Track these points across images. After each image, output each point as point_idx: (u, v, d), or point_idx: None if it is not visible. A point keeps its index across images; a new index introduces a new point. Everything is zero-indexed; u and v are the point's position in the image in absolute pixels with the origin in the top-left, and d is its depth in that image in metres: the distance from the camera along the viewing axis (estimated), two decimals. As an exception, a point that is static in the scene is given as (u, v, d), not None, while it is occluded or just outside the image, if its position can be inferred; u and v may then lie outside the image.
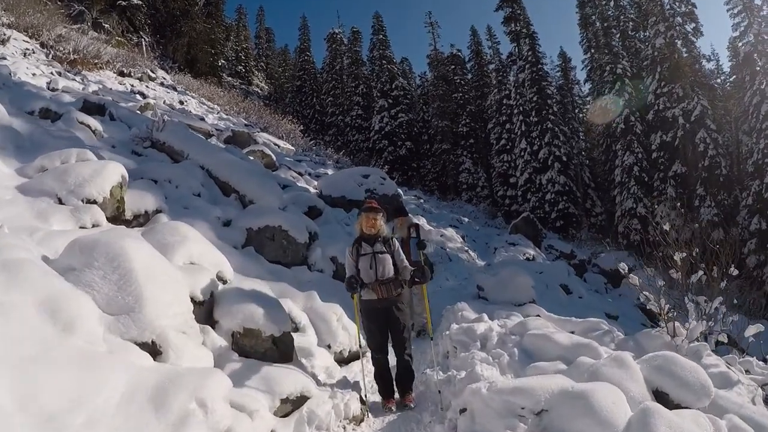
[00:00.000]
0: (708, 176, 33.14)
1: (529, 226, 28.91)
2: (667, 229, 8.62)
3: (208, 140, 15.77)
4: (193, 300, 5.44)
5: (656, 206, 33.24)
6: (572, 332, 7.67)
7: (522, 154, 42.72)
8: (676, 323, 6.95)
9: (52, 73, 19.11)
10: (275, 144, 25.68)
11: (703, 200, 32.97)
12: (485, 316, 8.98)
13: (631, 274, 8.07)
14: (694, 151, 34.16)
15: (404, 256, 6.57)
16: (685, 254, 7.78)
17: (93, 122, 11.43)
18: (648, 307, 7.68)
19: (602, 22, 44.88)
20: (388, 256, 6.35)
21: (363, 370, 6.65)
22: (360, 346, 6.90)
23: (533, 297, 13.23)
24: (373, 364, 6.66)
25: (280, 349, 6.09)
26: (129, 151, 10.78)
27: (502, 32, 47.87)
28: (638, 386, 4.54)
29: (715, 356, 6.20)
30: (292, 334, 6.63)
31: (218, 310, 5.95)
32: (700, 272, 7.53)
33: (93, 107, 12.98)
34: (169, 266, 5.08)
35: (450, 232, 24.72)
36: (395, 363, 6.49)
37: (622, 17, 44.75)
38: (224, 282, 6.66)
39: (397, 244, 6.56)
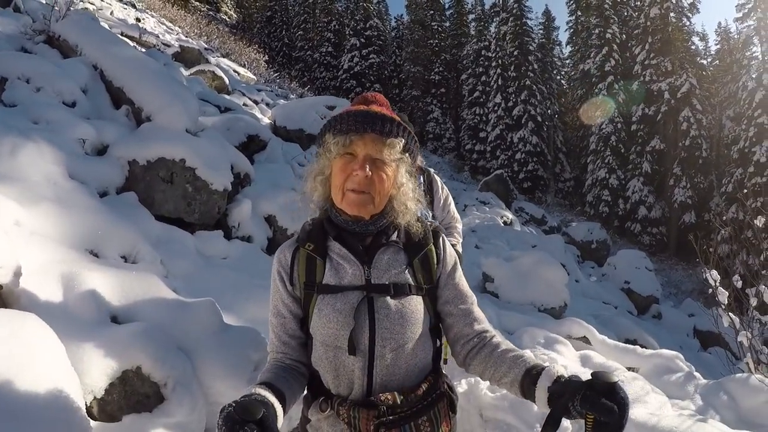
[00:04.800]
0: (687, 156, 32.60)
1: (501, 185, 27.29)
2: (759, 225, 6.45)
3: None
4: None
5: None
6: (636, 369, 5.63)
7: (495, 108, 41.39)
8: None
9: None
10: (234, 71, 23.14)
11: (679, 180, 32.45)
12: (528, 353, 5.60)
13: (720, 289, 5.81)
14: (675, 129, 33.48)
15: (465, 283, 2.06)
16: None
17: (-18, 12, 8.81)
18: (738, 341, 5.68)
19: (597, -17, 43.04)
20: (418, 304, 1.87)
21: None
22: None
23: (566, 299, 10.44)
24: None
25: None
26: (16, 47, 8.30)
27: (487, -20, 45.63)
28: None
29: None
30: None
31: None
32: None
33: (-5, -4, 10.16)
34: None
35: (415, 183, 22.54)
36: None
37: (617, -19, 42.90)
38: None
39: (451, 254, 2.04)
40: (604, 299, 16.14)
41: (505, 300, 10.16)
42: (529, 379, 1.65)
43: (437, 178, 4.35)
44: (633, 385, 4.92)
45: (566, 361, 5.62)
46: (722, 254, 26.70)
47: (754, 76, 30.51)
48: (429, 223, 2.04)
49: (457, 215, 4.42)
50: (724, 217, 27.27)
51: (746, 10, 33.50)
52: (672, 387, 5.38)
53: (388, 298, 1.80)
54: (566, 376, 1.59)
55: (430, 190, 4.29)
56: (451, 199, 4.40)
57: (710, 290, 6.01)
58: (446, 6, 54.80)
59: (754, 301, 5.88)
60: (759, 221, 6.79)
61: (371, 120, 1.81)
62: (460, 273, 2.03)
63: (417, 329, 1.82)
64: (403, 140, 1.87)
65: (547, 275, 10.39)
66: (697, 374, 5.87)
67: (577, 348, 6.66)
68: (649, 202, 33.39)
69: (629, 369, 5.86)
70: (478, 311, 1.98)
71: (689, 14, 36.90)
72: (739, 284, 6.02)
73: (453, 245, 4.02)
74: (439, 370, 1.98)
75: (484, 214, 21.29)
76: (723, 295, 5.67)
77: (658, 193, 33.93)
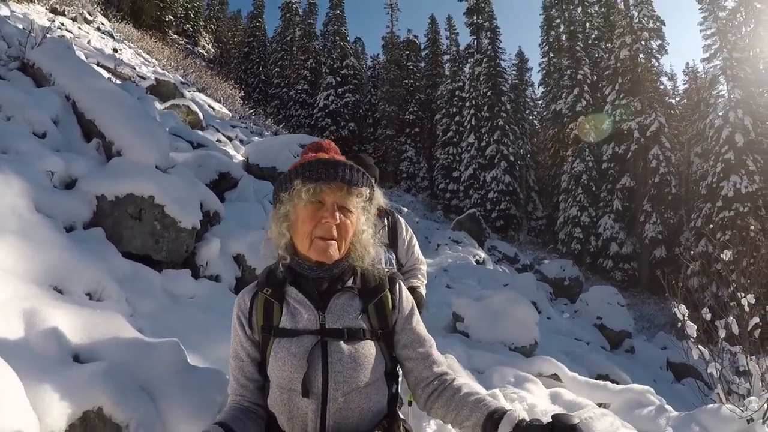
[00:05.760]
0: (657, 193, 33.24)
1: (474, 224, 27.38)
2: (726, 258, 6.76)
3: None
4: None
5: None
6: (607, 405, 5.62)
7: (469, 148, 41.72)
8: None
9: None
10: (210, 106, 23.07)
11: (649, 216, 33.04)
12: (499, 396, 5.49)
13: (689, 322, 5.90)
14: (645, 166, 34.15)
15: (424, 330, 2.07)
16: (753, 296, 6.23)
17: (-43, 38, 8.71)
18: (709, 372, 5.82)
19: (567, 26, 44.11)
20: (371, 348, 1.90)
21: None
22: None
23: (537, 337, 10.40)
24: None
25: None
26: (-12, 73, 8.15)
27: (462, 23, 46.61)
28: None
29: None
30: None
31: None
32: (755, 319, 6.17)
33: (-29, 24, 10.05)
34: None
35: (390, 222, 22.41)
36: None
37: (588, 24, 44.08)
38: None
39: (407, 299, 2.08)
40: (577, 336, 16.15)
41: (475, 339, 10.03)
42: (491, 423, 1.68)
43: (401, 219, 4.34)
44: (602, 421, 4.96)
45: (536, 399, 5.56)
46: (692, 287, 27.27)
47: (720, 113, 31.26)
48: (386, 270, 2.10)
49: (421, 257, 4.40)
50: (693, 252, 27.88)
51: (713, 51, 34.39)
52: (644, 421, 5.38)
53: (342, 342, 1.84)
54: (527, 420, 1.61)
55: (394, 232, 4.26)
56: (415, 240, 4.39)
57: (679, 323, 6.09)
58: (422, 47, 55.60)
59: (722, 333, 5.99)
60: (725, 255, 6.98)
61: (340, 169, 1.88)
62: (417, 317, 2.06)
63: (370, 373, 1.85)
64: (368, 189, 1.98)
65: (517, 314, 10.34)
66: (668, 407, 5.88)
67: (547, 386, 6.66)
68: (620, 238, 33.77)
69: (600, 405, 5.88)
70: (437, 354, 2.01)
71: (658, 55, 38.03)
72: (708, 316, 6.18)
73: (416, 287, 4.15)
74: (395, 414, 1.99)
75: (456, 253, 21.21)
76: (691, 329, 5.78)
77: (629, 230, 34.38)
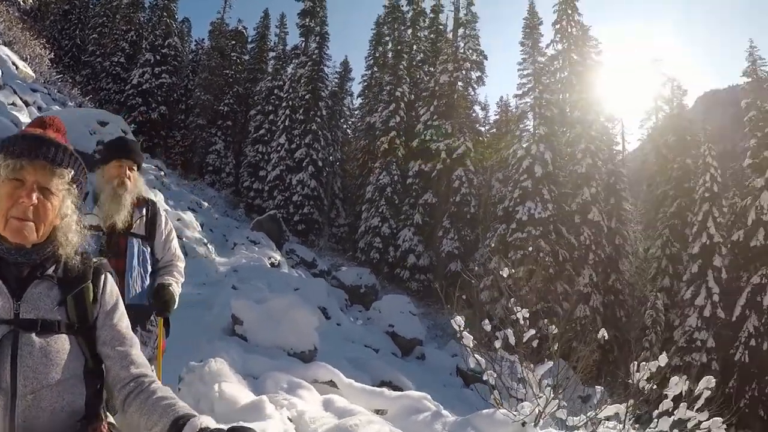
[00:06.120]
0: (457, 211, 34.89)
1: (275, 225, 27.35)
2: (505, 275, 7.60)
3: None
4: None
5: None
6: (384, 412, 5.60)
7: (279, 149, 40.84)
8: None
9: None
10: (14, 64, 20.93)
11: (448, 232, 34.51)
12: (266, 402, 5.08)
13: (465, 332, 6.45)
14: (448, 186, 35.66)
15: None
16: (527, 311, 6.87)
17: None
18: (480, 376, 6.67)
19: (395, 45, 45.01)
20: (66, 343, 1.78)
21: None
22: None
23: (316, 343, 10.39)
24: None
25: None
26: None
27: (294, 24, 45.92)
28: None
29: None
30: None
31: None
32: (532, 330, 6.79)
33: None
34: None
35: (189, 216, 21.63)
36: None
37: (415, 46, 45.38)
38: None
39: (112, 293, 1.96)
40: (367, 342, 16.42)
41: (253, 343, 9.87)
42: (175, 429, 1.62)
43: (162, 212, 4.09)
44: (369, 428, 4.94)
45: (308, 405, 5.57)
46: (484, 300, 28.87)
47: (524, 145, 33.15)
48: (94, 261, 1.95)
49: (179, 253, 4.15)
50: (486, 267, 29.56)
51: (526, 89, 36.75)
52: (420, 426, 5.55)
53: (34, 335, 1.69)
54: (211, 428, 1.58)
55: (152, 223, 3.98)
56: (174, 235, 4.15)
57: (458, 333, 6.37)
58: (249, 39, 54.04)
59: (498, 343, 6.70)
60: (505, 272, 7.82)
61: (45, 146, 1.77)
62: (121, 314, 1.95)
63: (62, 370, 1.72)
64: (73, 171, 1.83)
65: (298, 319, 10.35)
66: (445, 412, 6.13)
67: (322, 392, 6.71)
68: (419, 250, 34.80)
69: (378, 411, 5.95)
70: (137, 354, 1.91)
71: (475, 86, 40.41)
72: (488, 327, 6.75)
73: (168, 285, 3.86)
74: (98, 416, 1.84)
75: (252, 254, 21.23)
76: (468, 338, 6.15)
77: (427, 243, 35.58)
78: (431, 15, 46.63)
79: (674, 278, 32.13)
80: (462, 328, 6.45)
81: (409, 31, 46.09)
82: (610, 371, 20.85)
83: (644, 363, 6.31)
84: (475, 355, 6.48)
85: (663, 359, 6.31)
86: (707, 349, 25.90)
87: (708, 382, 6.02)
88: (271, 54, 53.81)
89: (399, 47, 44.04)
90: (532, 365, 6.72)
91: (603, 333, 6.79)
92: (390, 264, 35.34)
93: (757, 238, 26.30)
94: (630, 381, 6.42)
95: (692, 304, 27.28)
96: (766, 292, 24.96)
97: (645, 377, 6.16)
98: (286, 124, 40.93)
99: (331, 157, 43.65)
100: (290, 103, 41.47)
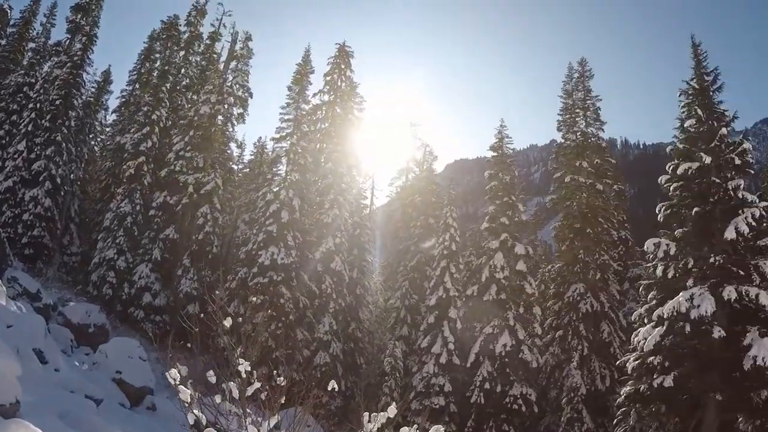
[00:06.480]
0: (198, 249, 33.97)
1: (5, 250, 24.22)
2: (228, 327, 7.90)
3: None
4: None
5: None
6: None
7: (16, 156, 35.83)
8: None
9: None
10: None
11: (187, 271, 33.50)
12: None
13: (182, 387, 6.60)
14: (192, 222, 34.69)
15: None
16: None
17: None
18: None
19: (163, 64, 43.26)
20: None
21: None
22: None
23: (18, 395, 8.94)
24: None
25: None
26: None
27: (64, 18, 41.99)
28: None
29: None
30: None
31: None
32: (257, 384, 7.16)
33: None
34: None
35: None
36: None
37: (183, 70, 43.67)
38: None
39: None
40: (89, 392, 14.84)
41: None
42: None
43: None
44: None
45: None
46: (221, 346, 28.19)
47: (275, 190, 33.49)
48: None
49: None
50: (215, 312, 28.90)
51: (284, 133, 36.97)
52: None
53: None
54: None
55: None
56: None
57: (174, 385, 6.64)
58: (11, 22, 48.27)
59: (218, 399, 7.29)
60: (227, 322, 8.25)
61: None
62: None
63: None
64: None
65: (-3, 366, 8.72)
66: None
67: None
68: (156, 289, 32.92)
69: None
70: None
71: (236, 122, 40.03)
72: (213, 379, 7.26)
73: None
74: None
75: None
76: (185, 393, 6.51)
77: (165, 281, 33.92)
78: (207, 41, 45.33)
79: (412, 327, 35.06)
80: (178, 382, 6.47)
81: (182, 53, 44.43)
82: (355, 417, 21.25)
83: (375, 414, 7.03)
84: (194, 411, 6.49)
85: (392, 410, 7.05)
86: (445, 392, 29.08)
87: (437, 430, 6.95)
88: (31, 45, 47.84)
89: (167, 68, 42.49)
90: (260, 418, 7.09)
91: (333, 384, 7.65)
92: (124, 302, 32.70)
93: (490, 293, 29.86)
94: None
95: (429, 351, 30.41)
96: (498, 340, 28.42)
97: (376, 428, 6.89)
98: (29, 129, 36.39)
99: (72, 175, 39.80)
100: (38, 105, 37.26)
